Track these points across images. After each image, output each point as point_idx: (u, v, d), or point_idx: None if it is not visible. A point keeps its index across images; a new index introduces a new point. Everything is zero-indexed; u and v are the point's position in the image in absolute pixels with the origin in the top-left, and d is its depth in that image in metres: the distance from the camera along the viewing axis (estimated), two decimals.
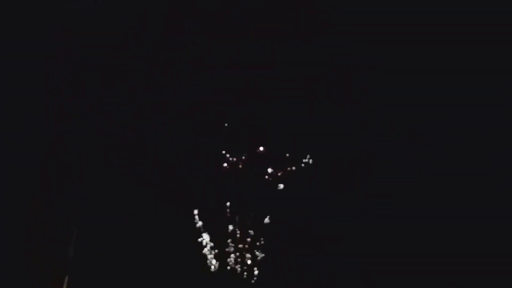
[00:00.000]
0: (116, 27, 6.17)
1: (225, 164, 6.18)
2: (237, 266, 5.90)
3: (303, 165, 6.13)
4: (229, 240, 5.99)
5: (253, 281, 5.85)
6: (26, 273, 5.35)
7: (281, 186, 6.12)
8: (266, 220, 6.07)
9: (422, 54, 6.11)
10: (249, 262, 5.93)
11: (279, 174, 6.14)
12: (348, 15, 6.22)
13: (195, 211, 6.06)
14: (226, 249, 5.97)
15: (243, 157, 6.18)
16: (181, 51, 6.26)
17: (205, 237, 5.98)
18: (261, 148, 6.17)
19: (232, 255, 5.94)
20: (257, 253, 5.96)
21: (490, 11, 5.92)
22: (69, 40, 6.07)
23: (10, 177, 5.65)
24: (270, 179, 6.14)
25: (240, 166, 6.17)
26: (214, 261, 5.88)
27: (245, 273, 5.87)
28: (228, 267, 5.90)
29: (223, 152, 6.18)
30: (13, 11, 5.96)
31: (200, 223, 6.03)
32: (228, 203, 6.10)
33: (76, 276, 5.49)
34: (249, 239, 6.01)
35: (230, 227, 6.05)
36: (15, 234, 5.50)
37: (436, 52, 6.09)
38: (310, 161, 6.11)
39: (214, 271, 5.83)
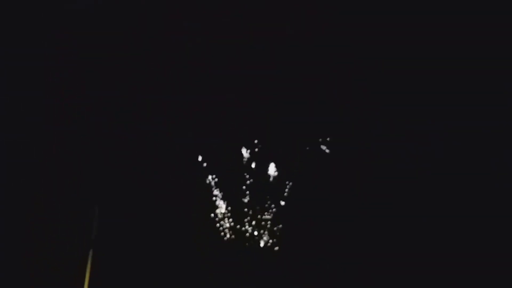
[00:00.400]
0: (116, 27, 6.17)
1: (225, 164, 6.18)
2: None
3: (303, 165, 6.13)
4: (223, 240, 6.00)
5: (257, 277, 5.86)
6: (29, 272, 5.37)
7: (281, 186, 6.12)
8: (265, 221, 6.07)
9: (422, 54, 6.11)
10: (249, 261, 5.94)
11: (279, 174, 6.14)
12: (348, 15, 6.22)
13: (193, 211, 6.06)
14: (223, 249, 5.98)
15: (243, 157, 6.18)
16: (181, 51, 6.26)
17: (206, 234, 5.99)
18: (261, 148, 6.17)
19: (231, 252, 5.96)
20: (255, 255, 5.97)
21: (490, 11, 5.92)
22: (69, 40, 6.07)
23: (10, 177, 5.65)
24: (270, 179, 6.14)
25: (240, 166, 6.17)
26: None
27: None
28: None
29: (223, 152, 6.19)
30: (13, 11, 5.96)
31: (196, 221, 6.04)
32: (226, 204, 6.11)
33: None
34: (247, 240, 6.02)
35: (226, 229, 6.05)
36: (15, 234, 5.51)
37: (436, 52, 6.09)
38: (310, 160, 6.11)
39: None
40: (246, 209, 6.10)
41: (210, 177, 6.15)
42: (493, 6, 5.90)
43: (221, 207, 6.10)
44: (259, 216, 6.07)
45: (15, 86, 5.89)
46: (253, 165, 6.18)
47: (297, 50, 6.25)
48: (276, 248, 5.97)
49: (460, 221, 5.66)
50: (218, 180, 6.16)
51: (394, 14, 6.13)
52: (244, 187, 6.14)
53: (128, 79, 6.20)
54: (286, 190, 6.10)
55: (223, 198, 6.12)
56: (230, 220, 6.06)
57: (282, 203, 6.08)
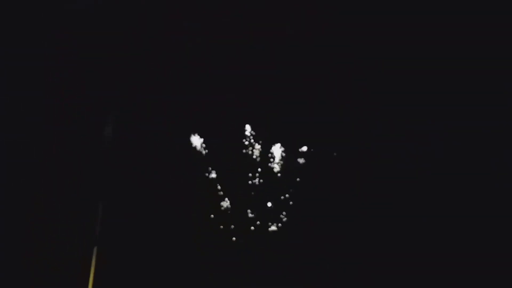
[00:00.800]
0: (116, 27, 6.18)
1: (225, 164, 6.18)
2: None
3: (303, 165, 6.13)
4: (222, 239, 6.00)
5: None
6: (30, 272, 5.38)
7: (281, 186, 6.12)
8: (265, 221, 6.07)
9: (422, 54, 6.11)
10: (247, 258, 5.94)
11: (279, 174, 6.14)
12: (348, 15, 6.22)
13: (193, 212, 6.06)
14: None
15: (243, 157, 6.18)
16: (181, 51, 6.27)
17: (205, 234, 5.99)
18: (261, 148, 6.17)
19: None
20: (255, 255, 5.97)
21: (490, 11, 5.93)
22: (69, 40, 6.08)
23: (10, 177, 5.66)
24: (270, 179, 6.14)
25: (240, 166, 6.17)
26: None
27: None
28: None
29: (223, 152, 6.19)
30: (13, 11, 5.97)
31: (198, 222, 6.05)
32: (226, 204, 6.11)
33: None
34: (247, 240, 6.02)
35: (226, 228, 6.05)
36: (17, 234, 5.51)
37: (436, 52, 6.09)
38: (310, 160, 6.11)
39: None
40: (246, 209, 6.10)
41: (210, 176, 6.15)
42: (493, 6, 5.90)
43: (221, 206, 6.10)
44: (259, 216, 6.07)
45: (15, 86, 5.89)
46: (253, 165, 6.18)
47: (297, 50, 6.25)
48: (276, 248, 5.97)
49: (460, 220, 5.66)
50: (218, 179, 6.16)
51: (394, 14, 6.13)
52: (244, 186, 6.14)
53: (128, 79, 6.20)
54: (286, 189, 6.11)
55: (223, 198, 6.12)
56: (230, 219, 6.07)
57: (282, 202, 6.09)
